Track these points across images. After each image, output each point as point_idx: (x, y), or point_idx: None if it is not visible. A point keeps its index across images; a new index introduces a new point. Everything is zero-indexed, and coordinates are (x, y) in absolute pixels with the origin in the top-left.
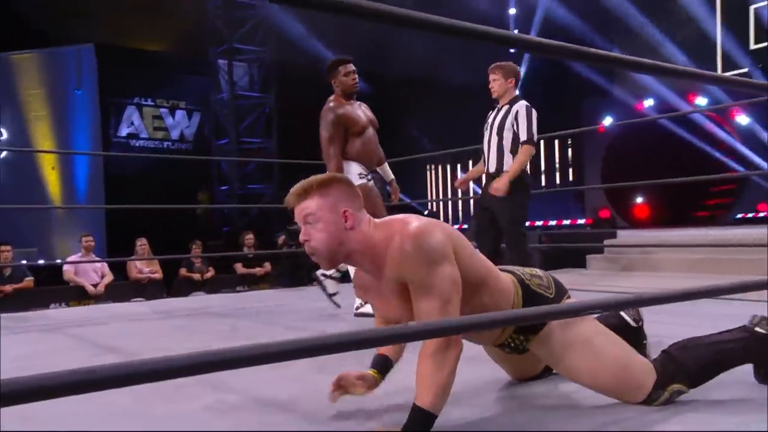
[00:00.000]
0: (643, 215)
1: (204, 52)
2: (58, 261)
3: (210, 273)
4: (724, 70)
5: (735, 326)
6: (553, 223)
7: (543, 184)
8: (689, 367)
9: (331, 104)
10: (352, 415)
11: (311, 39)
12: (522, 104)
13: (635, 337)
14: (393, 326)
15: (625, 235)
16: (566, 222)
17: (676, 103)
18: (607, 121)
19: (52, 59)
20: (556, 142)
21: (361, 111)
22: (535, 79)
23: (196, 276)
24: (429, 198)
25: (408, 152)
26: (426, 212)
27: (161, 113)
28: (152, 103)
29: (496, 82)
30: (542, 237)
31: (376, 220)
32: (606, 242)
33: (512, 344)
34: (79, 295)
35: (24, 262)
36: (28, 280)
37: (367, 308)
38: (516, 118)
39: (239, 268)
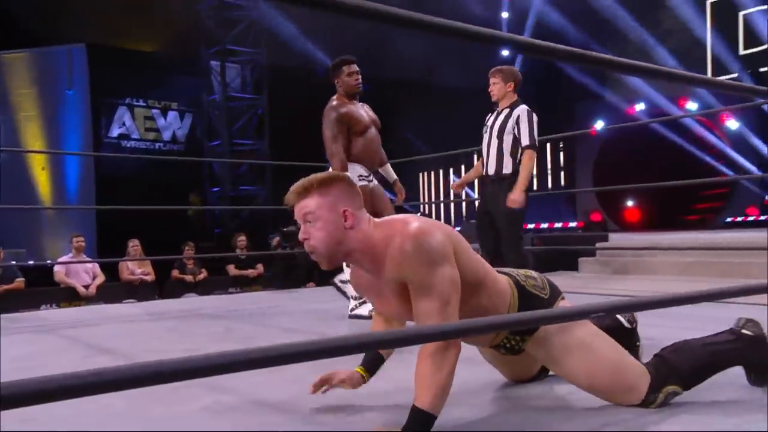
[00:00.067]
0: (634, 219)
1: (196, 53)
2: (48, 262)
3: (202, 274)
4: (714, 74)
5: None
6: (544, 226)
7: (535, 187)
8: (682, 369)
9: (334, 103)
10: (352, 415)
11: (304, 41)
12: (523, 108)
13: (629, 338)
14: (391, 330)
15: (616, 239)
16: (558, 225)
17: (666, 108)
18: (599, 124)
19: (43, 59)
20: (548, 145)
21: (364, 111)
22: (527, 82)
23: (189, 277)
24: (420, 200)
25: (400, 154)
26: (418, 215)
27: (153, 114)
28: (144, 104)
29: (496, 86)
30: (534, 240)
31: (376, 219)
32: (598, 245)
33: (507, 345)
34: (70, 296)
35: (13, 262)
36: (19, 281)
37: (362, 310)
38: (517, 122)
39: (232, 269)
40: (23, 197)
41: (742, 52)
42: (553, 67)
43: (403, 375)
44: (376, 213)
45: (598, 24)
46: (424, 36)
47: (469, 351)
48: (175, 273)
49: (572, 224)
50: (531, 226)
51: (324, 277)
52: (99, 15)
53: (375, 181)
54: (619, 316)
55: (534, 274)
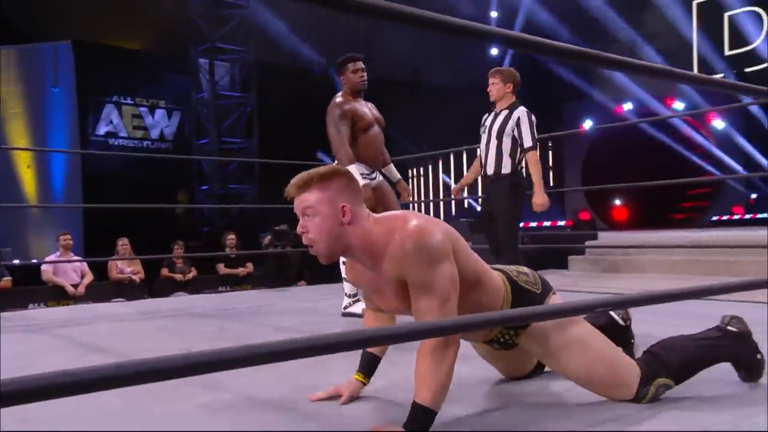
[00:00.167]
0: (622, 217)
1: (185, 50)
2: (35, 261)
3: (192, 273)
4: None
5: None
6: (533, 224)
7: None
8: (671, 364)
9: (338, 100)
10: (351, 413)
11: (293, 39)
12: (522, 110)
13: (623, 335)
14: (386, 327)
15: (605, 237)
16: (546, 224)
17: (654, 107)
18: (587, 124)
19: (28, 56)
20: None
21: (368, 108)
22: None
23: (178, 276)
24: (411, 199)
25: (390, 153)
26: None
27: (141, 112)
28: (131, 102)
29: (495, 86)
30: (524, 238)
31: (376, 215)
32: (587, 244)
33: (501, 340)
34: (58, 296)
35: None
36: (6, 280)
37: (355, 308)
38: (518, 124)
39: (221, 268)
40: (8, 195)
41: (727, 52)
42: (541, 67)
43: (403, 373)
44: (385, 209)
45: (586, 23)
46: (413, 32)
47: (463, 347)
48: (165, 272)
49: (561, 223)
50: (520, 224)
51: (315, 276)
52: (85, 12)
53: (380, 177)
54: (613, 314)
55: (526, 270)
